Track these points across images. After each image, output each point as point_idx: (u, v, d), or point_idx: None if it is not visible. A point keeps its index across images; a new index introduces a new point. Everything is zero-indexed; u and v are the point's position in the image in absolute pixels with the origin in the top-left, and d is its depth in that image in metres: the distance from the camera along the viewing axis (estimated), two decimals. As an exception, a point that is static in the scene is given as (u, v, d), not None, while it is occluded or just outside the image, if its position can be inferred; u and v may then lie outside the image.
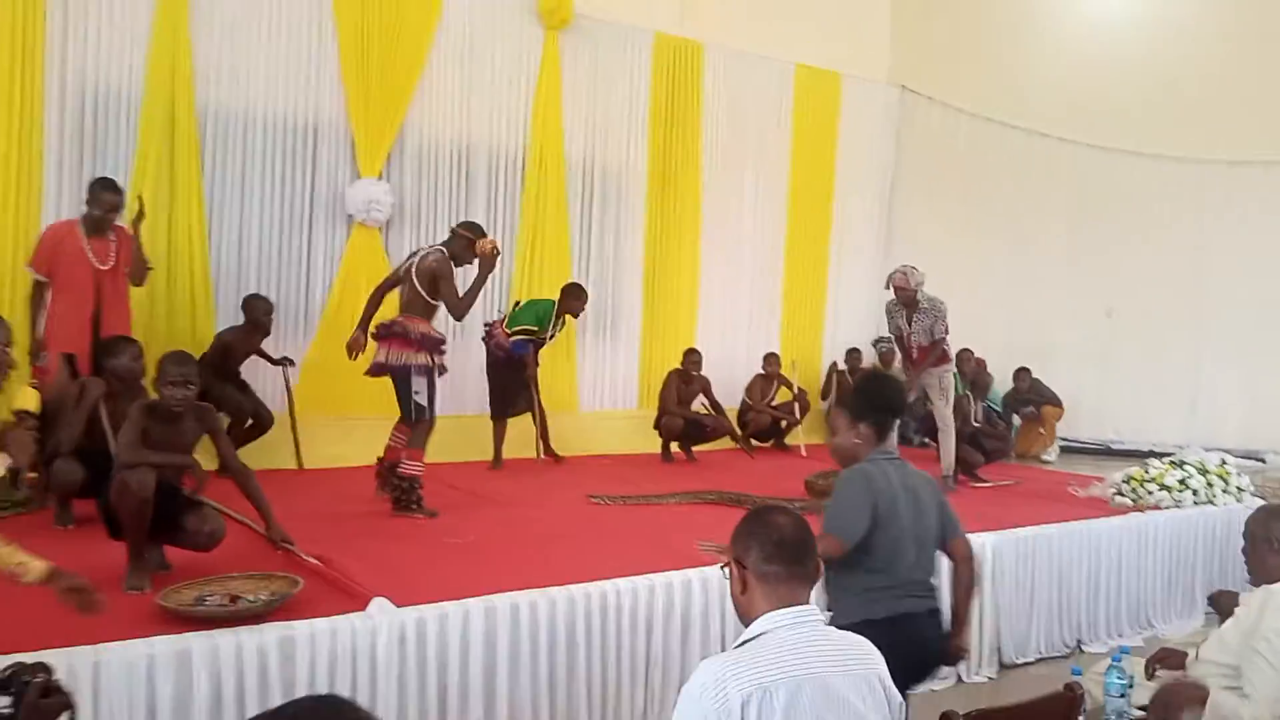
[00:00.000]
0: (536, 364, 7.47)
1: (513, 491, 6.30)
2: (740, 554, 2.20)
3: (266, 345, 6.98)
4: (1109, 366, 10.07)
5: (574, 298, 7.60)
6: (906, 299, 6.83)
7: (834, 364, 10.21)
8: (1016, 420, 9.63)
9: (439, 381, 5.58)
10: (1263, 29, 9.38)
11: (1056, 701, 2.53)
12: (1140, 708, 3.12)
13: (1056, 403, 9.76)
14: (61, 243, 5.39)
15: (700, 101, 9.37)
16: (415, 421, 5.42)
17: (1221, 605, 3.75)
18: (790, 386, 9.33)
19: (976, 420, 7.73)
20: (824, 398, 10.07)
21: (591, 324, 8.76)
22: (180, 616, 3.35)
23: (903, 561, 3.11)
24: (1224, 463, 6.72)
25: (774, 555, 2.16)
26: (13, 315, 5.22)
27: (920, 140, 10.86)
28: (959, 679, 5.11)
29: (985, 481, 7.28)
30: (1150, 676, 3.31)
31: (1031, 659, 5.46)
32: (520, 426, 7.54)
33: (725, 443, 8.40)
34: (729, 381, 9.05)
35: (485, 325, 7.65)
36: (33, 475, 5.39)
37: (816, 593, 2.54)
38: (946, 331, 6.88)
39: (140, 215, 5.71)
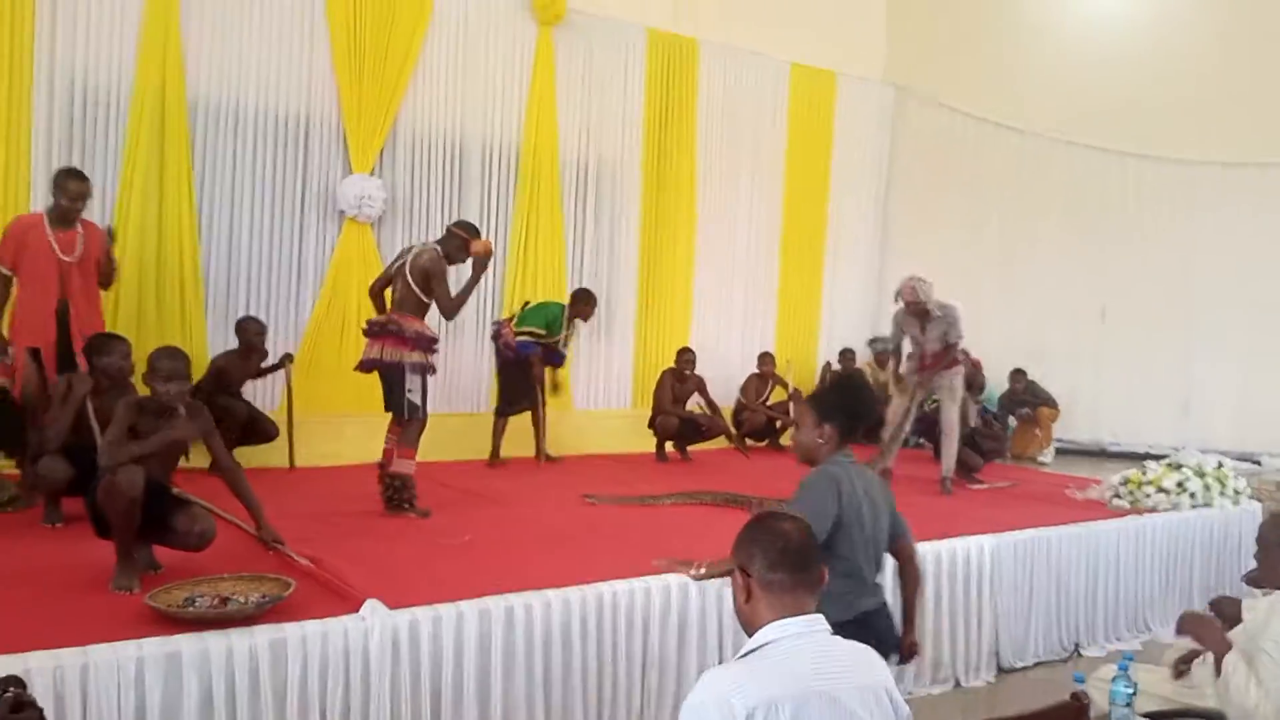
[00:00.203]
0: (543, 366, 7.45)
1: (507, 491, 6.24)
2: (744, 562, 2.15)
3: None
4: (1103, 368, 10.07)
5: (584, 303, 7.61)
6: (918, 311, 6.82)
7: (828, 364, 10.18)
8: (1012, 422, 9.60)
9: (430, 381, 5.52)
10: (1258, 30, 9.37)
11: (1063, 711, 2.48)
12: (1144, 715, 3.10)
13: (1052, 404, 9.74)
14: (26, 234, 5.25)
15: (695, 99, 9.32)
16: (407, 420, 5.37)
17: (1224, 611, 3.73)
18: (785, 386, 9.29)
19: (972, 421, 7.70)
20: (819, 397, 10.01)
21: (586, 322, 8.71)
22: (169, 618, 3.28)
23: (865, 563, 3.14)
24: (1221, 465, 6.70)
25: (778, 563, 2.11)
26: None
27: (915, 140, 10.83)
28: (956, 683, 5.09)
29: (982, 483, 7.25)
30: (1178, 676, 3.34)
31: (1029, 663, 5.43)
32: (517, 424, 7.49)
33: (720, 442, 8.36)
34: (724, 380, 9.00)
35: (494, 324, 7.59)
36: (16, 473, 5.33)
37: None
38: (961, 336, 6.89)
39: (112, 239, 5.58)
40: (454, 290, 5.45)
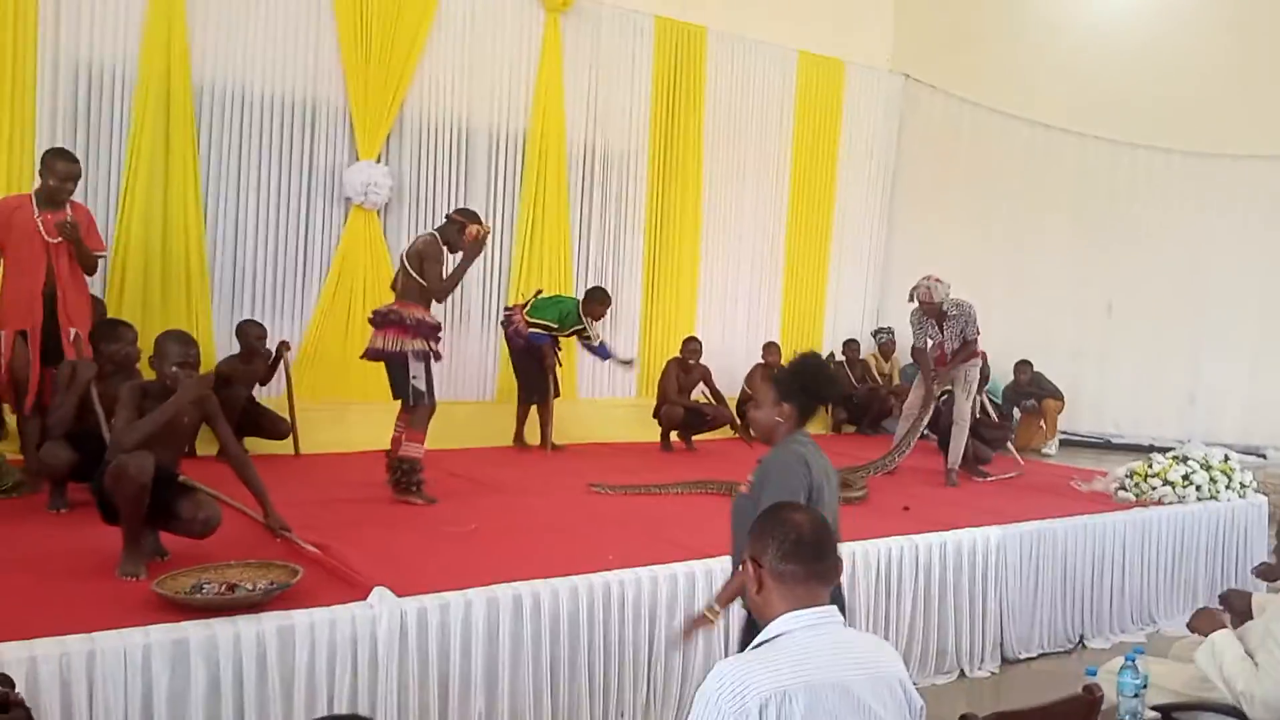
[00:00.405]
0: (556, 356, 7.45)
1: (513, 480, 6.24)
2: (757, 552, 2.14)
3: None
4: (1109, 360, 10.03)
5: (598, 302, 7.58)
6: (933, 311, 6.82)
7: (831, 354, 10.15)
8: (1017, 413, 9.58)
9: (435, 367, 5.52)
10: (1271, 21, 9.30)
11: (1076, 704, 2.48)
12: (1154, 708, 3.10)
13: (1057, 396, 9.71)
14: (12, 215, 5.18)
15: (702, 87, 9.28)
16: (414, 406, 5.38)
17: (1233, 604, 3.72)
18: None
19: (978, 413, 7.68)
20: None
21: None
22: (176, 604, 3.28)
23: None
24: (1227, 458, 6.68)
25: (792, 554, 2.09)
26: None
27: (923, 129, 10.77)
28: (961, 674, 5.09)
29: (988, 475, 7.24)
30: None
31: (1034, 654, 5.43)
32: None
33: (725, 432, 8.35)
34: (729, 370, 8.99)
35: (505, 310, 7.57)
36: (20, 458, 5.32)
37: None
38: (978, 332, 6.89)
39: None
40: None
